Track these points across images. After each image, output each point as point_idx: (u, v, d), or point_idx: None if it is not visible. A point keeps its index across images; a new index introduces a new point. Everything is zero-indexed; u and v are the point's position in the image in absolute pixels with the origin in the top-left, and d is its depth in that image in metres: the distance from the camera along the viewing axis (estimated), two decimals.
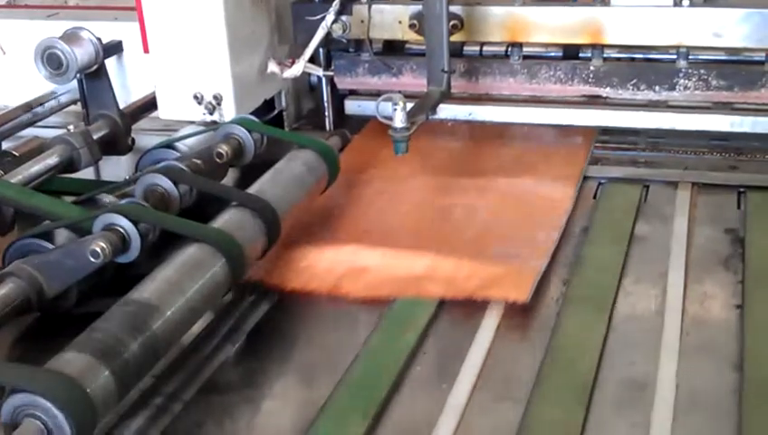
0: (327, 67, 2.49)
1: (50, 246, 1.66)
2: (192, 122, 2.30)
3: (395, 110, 2.02)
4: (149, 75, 2.35)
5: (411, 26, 2.35)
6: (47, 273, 1.61)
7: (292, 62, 2.41)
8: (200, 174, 1.93)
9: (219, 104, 2.30)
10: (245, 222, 1.74)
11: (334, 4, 2.34)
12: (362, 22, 2.38)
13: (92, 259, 1.56)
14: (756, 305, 1.66)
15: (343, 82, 2.49)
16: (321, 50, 2.44)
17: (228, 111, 2.30)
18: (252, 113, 2.38)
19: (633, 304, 1.72)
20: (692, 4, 2.19)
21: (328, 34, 2.37)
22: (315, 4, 2.40)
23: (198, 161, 1.96)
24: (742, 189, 2.10)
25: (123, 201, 1.76)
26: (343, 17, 2.37)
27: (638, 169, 2.22)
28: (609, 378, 1.50)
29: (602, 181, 2.19)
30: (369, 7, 2.36)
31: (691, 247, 1.88)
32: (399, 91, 2.04)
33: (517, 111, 2.38)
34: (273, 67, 2.41)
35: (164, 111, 2.36)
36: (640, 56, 2.35)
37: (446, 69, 2.25)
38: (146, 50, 2.31)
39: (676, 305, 1.68)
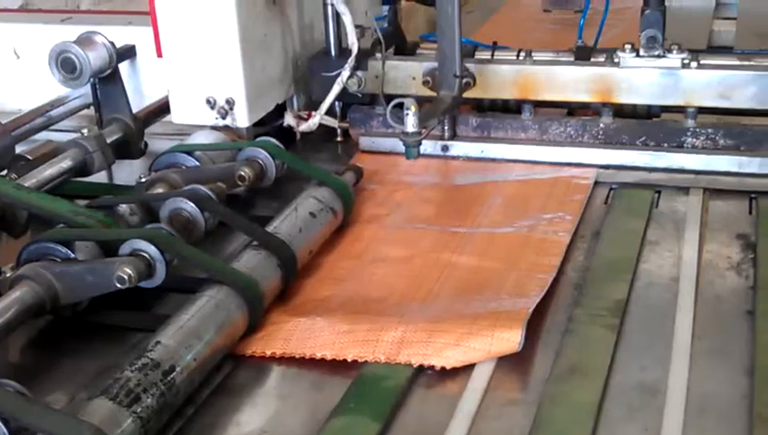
0: (342, 118, 2.51)
1: (65, 250, 1.67)
2: (204, 127, 2.32)
3: (407, 114, 2.03)
4: (162, 79, 2.37)
5: (425, 83, 2.38)
6: (66, 283, 1.62)
7: (309, 116, 2.47)
8: (223, 197, 1.94)
9: (232, 109, 2.31)
10: (266, 265, 1.75)
11: (349, 60, 2.39)
12: (377, 77, 2.41)
13: (117, 284, 1.58)
14: (767, 311, 1.66)
15: (358, 134, 2.49)
16: (336, 102, 2.47)
17: (241, 116, 2.31)
18: (263, 117, 2.40)
19: (645, 305, 1.72)
20: (699, 66, 2.21)
21: (343, 89, 2.41)
22: (331, 60, 2.46)
23: (222, 185, 1.97)
24: (753, 195, 2.10)
25: (150, 226, 1.78)
26: (359, 72, 2.42)
27: (649, 175, 2.22)
28: (622, 384, 1.52)
29: (614, 186, 2.19)
30: (383, 64, 2.39)
31: (702, 252, 1.88)
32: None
33: (527, 150, 2.34)
34: (289, 120, 2.47)
35: (177, 116, 2.38)
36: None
37: (458, 73, 2.25)
38: (159, 54, 2.32)
39: (688, 310, 1.68)
